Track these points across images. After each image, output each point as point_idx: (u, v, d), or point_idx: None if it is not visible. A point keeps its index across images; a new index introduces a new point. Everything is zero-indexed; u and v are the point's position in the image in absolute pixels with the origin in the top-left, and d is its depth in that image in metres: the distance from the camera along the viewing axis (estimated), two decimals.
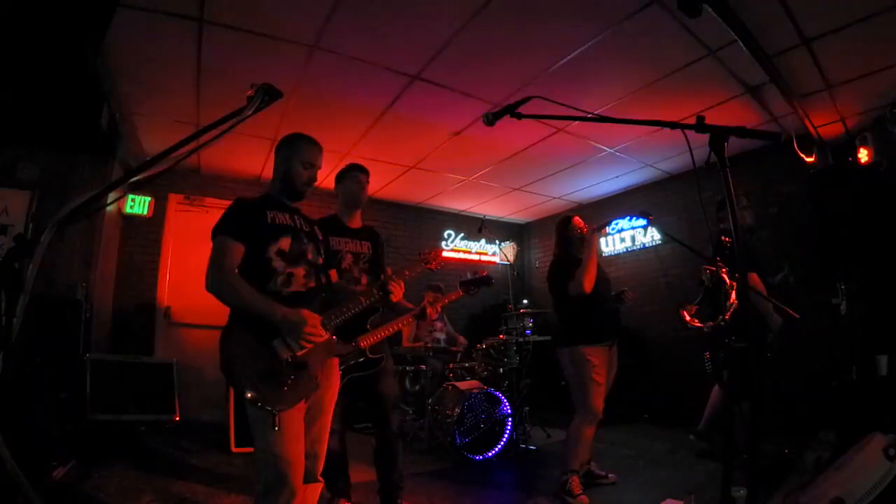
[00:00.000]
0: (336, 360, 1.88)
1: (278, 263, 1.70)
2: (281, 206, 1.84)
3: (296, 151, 1.84)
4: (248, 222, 1.72)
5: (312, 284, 1.78)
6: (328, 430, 1.81)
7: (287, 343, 1.61)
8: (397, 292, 1.95)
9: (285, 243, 1.73)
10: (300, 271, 1.75)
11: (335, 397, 1.84)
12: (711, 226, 3.85)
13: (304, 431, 1.64)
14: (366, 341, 2.25)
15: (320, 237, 1.96)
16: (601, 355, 2.93)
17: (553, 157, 5.00)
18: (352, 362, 2.23)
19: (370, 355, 2.28)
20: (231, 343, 1.60)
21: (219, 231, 1.69)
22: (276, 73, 3.32)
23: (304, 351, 1.62)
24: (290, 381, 1.59)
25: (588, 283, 2.86)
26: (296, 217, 1.87)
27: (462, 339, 4.95)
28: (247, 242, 1.68)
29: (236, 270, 1.65)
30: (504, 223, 7.55)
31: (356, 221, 2.66)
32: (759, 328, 3.16)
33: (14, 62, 2.76)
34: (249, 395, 1.52)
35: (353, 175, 2.63)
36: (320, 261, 1.87)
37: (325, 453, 1.78)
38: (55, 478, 2.62)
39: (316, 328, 1.64)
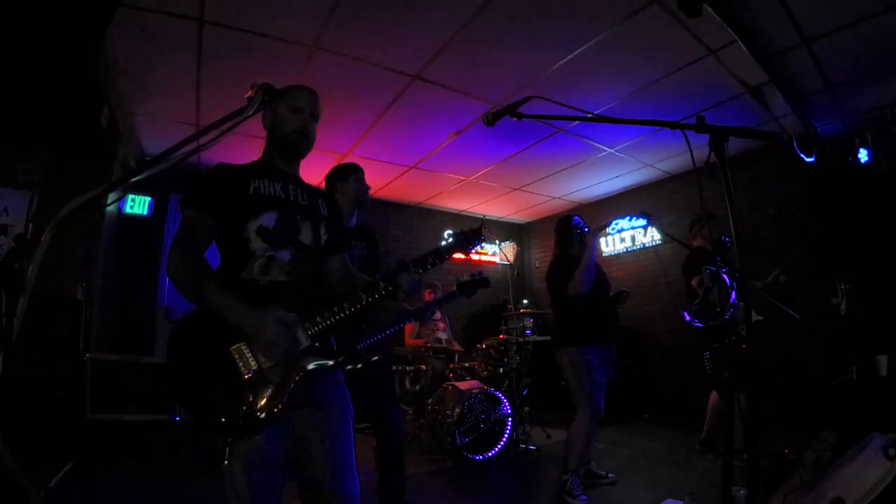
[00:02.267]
0: (337, 373, 1.50)
1: (258, 245, 1.35)
2: (272, 172, 1.48)
3: (282, 99, 1.43)
4: (226, 193, 1.37)
5: (301, 273, 1.41)
6: (347, 459, 1.42)
7: (252, 351, 1.25)
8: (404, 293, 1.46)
9: (269, 219, 1.38)
10: (285, 255, 1.39)
11: (344, 418, 1.45)
12: (687, 239, 3.93)
13: (274, 466, 1.30)
14: (362, 344, 2.21)
15: (325, 213, 1.56)
16: (599, 356, 2.93)
17: (553, 157, 5.00)
18: (348, 367, 2.18)
19: (366, 358, 2.24)
20: (180, 342, 1.26)
21: (187, 203, 1.35)
22: (276, 73, 3.31)
23: (271, 364, 1.26)
24: (248, 401, 1.22)
25: (586, 283, 2.86)
26: (290, 187, 1.49)
27: (456, 346, 4.93)
28: (222, 218, 1.35)
29: (204, 253, 1.34)
30: (504, 223, 7.55)
31: (351, 221, 2.63)
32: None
33: (15, 62, 2.76)
34: (189, 417, 1.19)
35: (358, 176, 2.56)
36: (323, 242, 1.51)
37: (353, 489, 1.40)
38: (55, 478, 2.62)
39: (289, 335, 1.25)
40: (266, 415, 1.23)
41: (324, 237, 1.52)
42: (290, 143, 1.50)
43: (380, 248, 2.71)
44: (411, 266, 1.46)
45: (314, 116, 1.52)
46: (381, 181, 5.63)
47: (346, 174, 2.55)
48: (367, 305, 1.41)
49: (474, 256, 7.08)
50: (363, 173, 2.59)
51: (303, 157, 1.56)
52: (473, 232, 1.62)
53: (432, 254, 1.52)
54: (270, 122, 1.51)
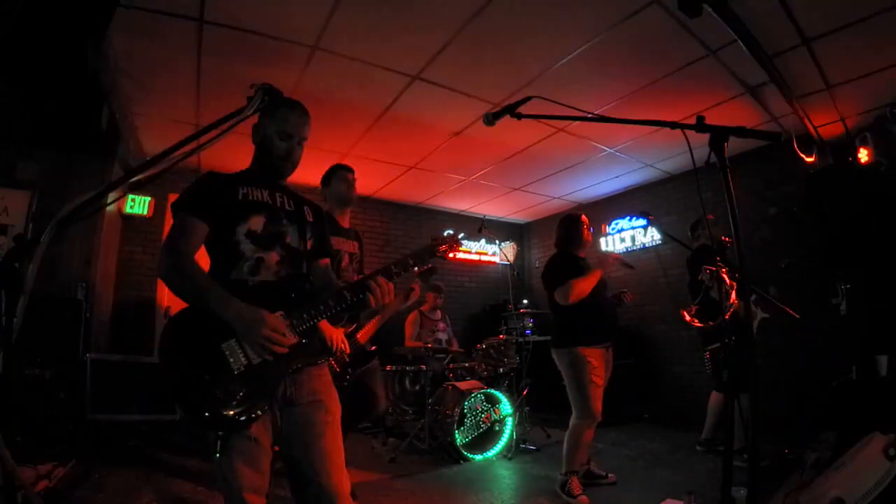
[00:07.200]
0: (324, 370, 1.52)
1: (247, 247, 1.42)
2: (259, 181, 1.55)
3: (273, 118, 1.52)
4: (216, 198, 1.44)
5: (288, 273, 1.47)
6: (336, 456, 1.43)
7: (242, 348, 1.31)
8: (380, 295, 1.44)
9: (257, 223, 1.45)
10: (273, 257, 1.45)
11: (332, 414, 1.46)
12: (690, 241, 3.95)
13: (263, 460, 1.34)
14: (364, 336, 2.21)
15: (311, 219, 1.63)
16: (598, 357, 2.93)
17: (553, 157, 4.99)
18: (348, 359, 2.17)
19: (368, 349, 2.24)
20: (172, 340, 1.32)
21: (179, 207, 1.41)
22: (276, 73, 3.32)
23: (260, 360, 1.32)
24: (239, 397, 1.28)
25: (574, 299, 2.82)
26: (277, 194, 1.56)
27: (455, 346, 4.93)
28: (212, 222, 1.41)
29: (195, 255, 1.39)
30: (504, 223, 7.55)
31: (347, 221, 2.66)
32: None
33: (15, 62, 2.76)
34: (182, 412, 1.25)
35: (340, 174, 2.62)
36: (308, 246, 1.58)
37: (343, 484, 1.41)
38: (55, 478, 2.62)
39: (278, 331, 1.31)
40: (255, 409, 1.30)
41: (309, 240, 1.59)
42: (275, 168, 1.57)
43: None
44: (393, 268, 1.50)
45: (301, 142, 1.57)
46: (381, 181, 5.63)
47: (329, 175, 2.64)
48: (353, 304, 1.45)
49: (474, 256, 7.10)
50: (347, 171, 2.62)
51: (286, 178, 1.63)
52: (442, 240, 1.68)
53: (411, 256, 1.57)
54: (259, 140, 1.57)
